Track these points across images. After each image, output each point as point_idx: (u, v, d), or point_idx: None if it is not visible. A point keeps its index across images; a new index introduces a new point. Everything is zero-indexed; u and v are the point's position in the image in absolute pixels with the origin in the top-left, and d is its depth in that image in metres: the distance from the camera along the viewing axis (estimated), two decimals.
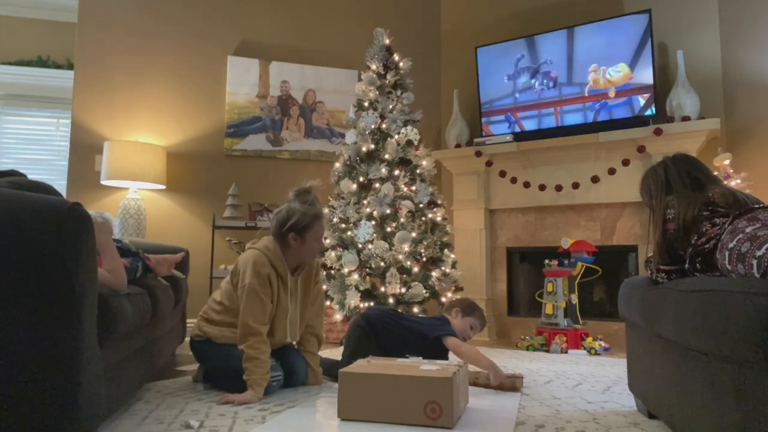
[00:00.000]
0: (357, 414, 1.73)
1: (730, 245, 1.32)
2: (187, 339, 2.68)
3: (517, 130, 4.16)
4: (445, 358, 2.49)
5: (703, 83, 3.66)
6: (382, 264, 3.49)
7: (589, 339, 3.40)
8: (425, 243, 3.57)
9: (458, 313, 2.63)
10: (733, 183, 3.17)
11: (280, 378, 2.18)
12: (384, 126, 3.73)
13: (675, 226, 1.57)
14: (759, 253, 1.19)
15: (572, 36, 3.96)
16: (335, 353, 3.19)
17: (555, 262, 3.58)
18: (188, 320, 3.47)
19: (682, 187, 1.66)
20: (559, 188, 3.98)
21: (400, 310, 2.85)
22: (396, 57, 3.89)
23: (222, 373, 2.22)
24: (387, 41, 3.89)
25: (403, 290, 3.47)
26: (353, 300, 3.40)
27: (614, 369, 2.80)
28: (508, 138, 4.13)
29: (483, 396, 2.13)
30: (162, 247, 2.92)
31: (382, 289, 3.47)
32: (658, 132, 3.54)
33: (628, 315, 1.89)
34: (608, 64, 3.82)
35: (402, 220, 3.54)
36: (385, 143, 3.70)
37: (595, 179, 3.84)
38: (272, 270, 2.18)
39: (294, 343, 2.45)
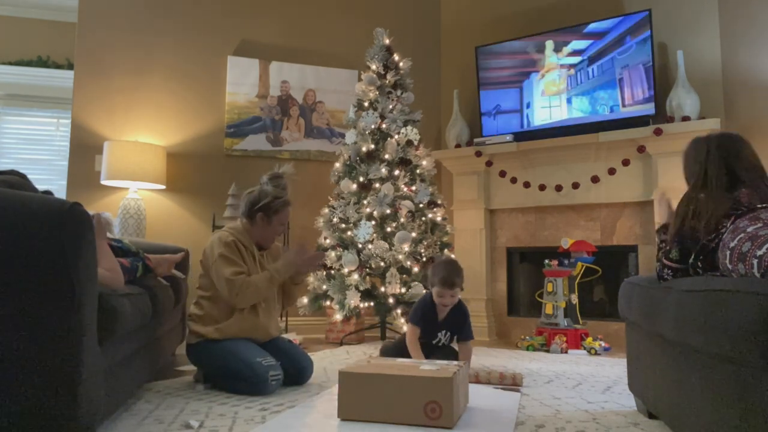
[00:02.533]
0: (357, 414, 1.73)
1: (731, 244, 1.32)
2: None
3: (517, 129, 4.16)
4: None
5: (703, 83, 3.66)
6: (382, 264, 3.49)
7: (589, 339, 3.40)
8: (425, 243, 3.57)
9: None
10: None
11: (280, 377, 2.18)
12: (384, 126, 3.73)
13: (699, 226, 1.51)
14: (759, 253, 1.19)
15: (572, 36, 3.96)
16: (336, 353, 3.19)
17: (555, 262, 3.58)
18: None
19: (716, 184, 1.58)
20: (559, 188, 3.98)
21: None
22: (396, 57, 3.89)
23: (222, 374, 2.23)
24: (387, 41, 3.89)
25: (403, 290, 3.46)
26: (353, 300, 3.40)
27: (614, 369, 2.80)
28: (508, 138, 4.13)
29: (483, 396, 2.13)
30: (162, 247, 2.92)
31: (382, 289, 3.47)
32: (658, 132, 3.54)
33: (628, 315, 1.88)
34: (608, 64, 3.82)
35: (402, 220, 3.54)
36: (385, 143, 3.70)
37: (595, 179, 3.84)
38: (238, 241, 2.34)
39: (296, 340, 2.50)
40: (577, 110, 3.92)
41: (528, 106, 4.12)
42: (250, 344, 2.27)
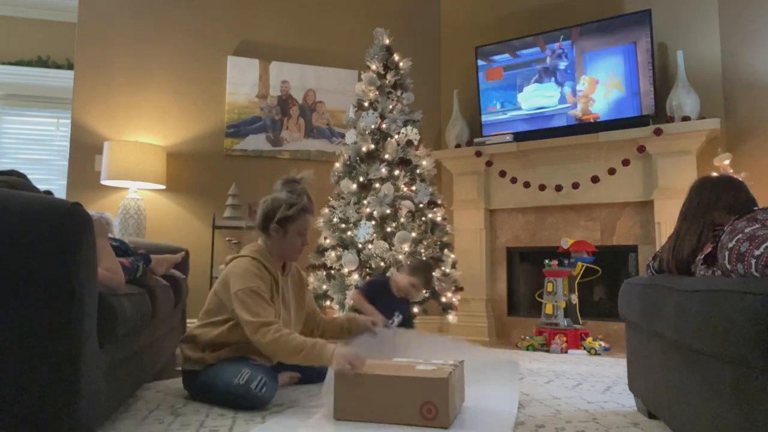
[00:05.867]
0: (353, 414, 1.72)
1: (730, 245, 1.32)
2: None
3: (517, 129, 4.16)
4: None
5: (703, 83, 3.66)
6: (382, 264, 3.49)
7: (589, 339, 3.40)
8: (425, 243, 3.57)
9: (405, 270, 2.86)
10: None
11: (263, 381, 2.04)
12: (384, 126, 3.73)
13: (671, 252, 1.69)
14: (757, 253, 1.19)
15: (572, 36, 3.96)
16: None
17: (555, 262, 3.58)
18: (188, 320, 3.47)
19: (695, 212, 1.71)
20: (559, 188, 3.98)
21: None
22: (396, 57, 3.88)
23: (219, 403, 1.97)
24: (387, 41, 3.89)
25: None
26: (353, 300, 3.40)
27: (614, 369, 2.80)
28: (508, 138, 4.13)
29: (483, 396, 2.12)
30: (162, 247, 2.92)
31: None
32: (658, 132, 3.54)
33: (628, 315, 1.89)
34: (607, 64, 3.82)
35: (402, 220, 3.53)
36: (385, 143, 3.70)
37: (595, 179, 3.84)
38: (266, 273, 2.04)
39: None
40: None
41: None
42: (226, 365, 1.97)
